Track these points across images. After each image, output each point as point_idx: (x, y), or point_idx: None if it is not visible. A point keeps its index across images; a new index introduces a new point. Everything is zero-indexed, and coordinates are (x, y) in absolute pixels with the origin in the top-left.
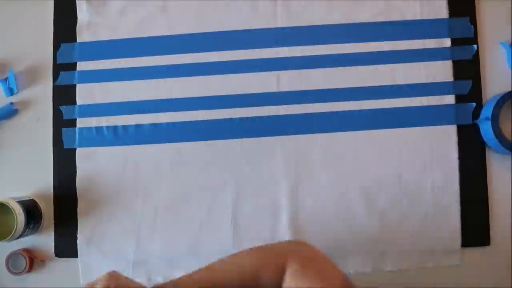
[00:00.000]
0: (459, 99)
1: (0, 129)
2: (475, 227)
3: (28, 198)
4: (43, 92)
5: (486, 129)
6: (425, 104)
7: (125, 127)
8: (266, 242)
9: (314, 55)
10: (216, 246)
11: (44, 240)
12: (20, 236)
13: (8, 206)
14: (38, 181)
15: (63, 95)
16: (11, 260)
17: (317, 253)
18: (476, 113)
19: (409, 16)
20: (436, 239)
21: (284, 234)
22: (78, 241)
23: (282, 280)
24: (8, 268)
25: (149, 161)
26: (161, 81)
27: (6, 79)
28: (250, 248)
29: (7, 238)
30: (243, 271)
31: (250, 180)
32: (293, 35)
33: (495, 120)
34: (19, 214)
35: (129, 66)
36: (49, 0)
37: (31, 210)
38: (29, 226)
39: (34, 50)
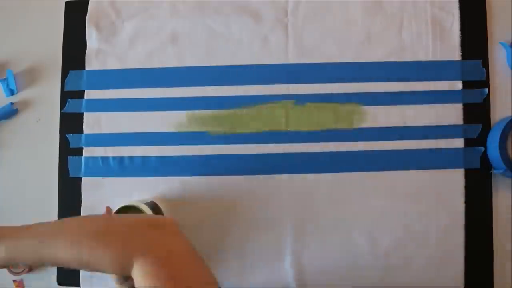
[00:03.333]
0: (467, 142)
1: (0, 129)
2: (479, 272)
3: (150, 201)
4: (43, 93)
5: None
6: (434, 146)
7: (131, 158)
8: (269, 279)
9: (324, 93)
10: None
11: None
12: None
13: (139, 209)
14: (40, 181)
15: (70, 123)
16: None
17: (178, 248)
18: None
19: (421, 57)
20: (439, 282)
21: (287, 272)
22: (81, 270)
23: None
24: (8, 268)
25: (154, 193)
26: (169, 113)
27: (5, 79)
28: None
29: None
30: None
31: (254, 217)
32: (304, 72)
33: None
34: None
35: (137, 96)
36: (54, 0)
37: (158, 212)
38: None
39: (35, 50)
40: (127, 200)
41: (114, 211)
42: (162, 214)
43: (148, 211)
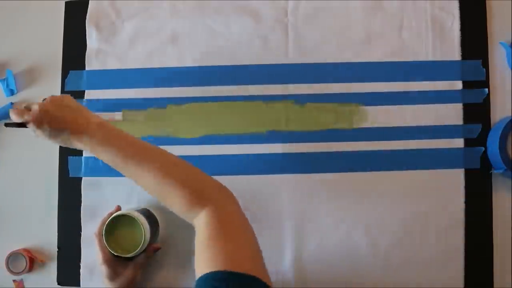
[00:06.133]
0: (467, 142)
1: (0, 129)
2: (479, 271)
3: (143, 208)
4: (43, 93)
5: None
6: (434, 147)
7: None
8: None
9: (324, 93)
10: None
11: (45, 240)
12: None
13: (133, 219)
14: (41, 181)
15: None
16: (11, 260)
17: (239, 221)
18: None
19: (421, 57)
20: (439, 282)
21: (288, 272)
22: (81, 270)
23: (186, 210)
24: (8, 268)
25: None
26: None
27: (5, 79)
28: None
29: (136, 251)
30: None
31: (255, 217)
32: (304, 72)
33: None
34: (144, 224)
35: (137, 96)
36: (53, 0)
37: (152, 219)
38: (155, 234)
39: (35, 50)
40: (126, 201)
41: (107, 221)
42: (156, 220)
43: (142, 218)
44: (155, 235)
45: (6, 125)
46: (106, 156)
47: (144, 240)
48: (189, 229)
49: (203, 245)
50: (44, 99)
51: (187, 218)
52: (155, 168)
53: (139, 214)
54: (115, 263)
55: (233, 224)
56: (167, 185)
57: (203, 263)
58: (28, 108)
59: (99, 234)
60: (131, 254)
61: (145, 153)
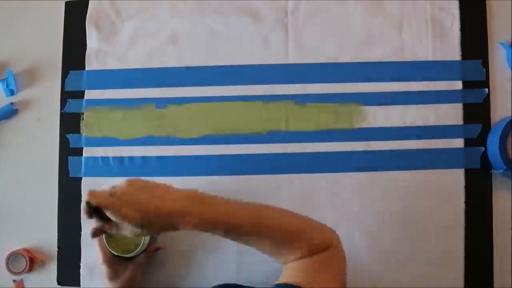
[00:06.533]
0: (467, 142)
1: (0, 129)
2: (479, 271)
3: None
4: (43, 93)
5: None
6: (434, 147)
7: (131, 158)
8: (268, 277)
9: (324, 93)
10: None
11: (45, 240)
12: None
13: None
14: (40, 181)
15: (70, 123)
16: (11, 260)
17: (343, 261)
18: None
19: (421, 57)
20: (439, 282)
21: None
22: (81, 270)
23: (303, 256)
24: (8, 268)
25: None
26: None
27: (5, 79)
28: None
29: (136, 251)
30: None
31: None
32: (304, 72)
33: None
34: None
35: (137, 96)
36: (53, 0)
37: None
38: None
39: (35, 50)
40: None
41: None
42: None
43: None
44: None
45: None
46: (218, 233)
47: (144, 240)
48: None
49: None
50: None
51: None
52: (269, 230)
53: None
54: (115, 263)
55: (341, 262)
56: (286, 243)
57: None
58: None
59: None
60: (131, 254)
61: (257, 216)
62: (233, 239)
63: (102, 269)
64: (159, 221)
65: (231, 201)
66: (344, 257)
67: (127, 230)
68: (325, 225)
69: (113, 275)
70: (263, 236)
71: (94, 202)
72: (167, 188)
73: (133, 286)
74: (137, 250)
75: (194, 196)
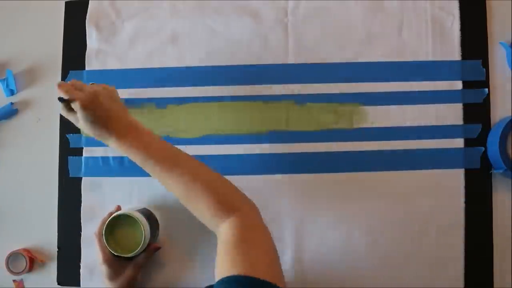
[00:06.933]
0: (467, 142)
1: (0, 129)
2: (479, 271)
3: (143, 208)
4: (43, 93)
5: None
6: (434, 147)
7: None
8: None
9: (324, 93)
10: None
11: (45, 240)
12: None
13: (133, 219)
14: (41, 181)
15: (70, 123)
16: (11, 260)
17: (261, 230)
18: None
19: (421, 57)
20: (439, 282)
21: (288, 272)
22: (81, 270)
23: (212, 217)
24: (8, 268)
25: (154, 193)
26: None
27: (5, 79)
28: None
29: (136, 251)
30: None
31: None
32: (304, 72)
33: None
34: (144, 224)
35: (137, 96)
36: (53, 0)
37: (152, 219)
38: (155, 234)
39: (35, 50)
40: (126, 201)
41: (107, 221)
42: (156, 220)
43: (142, 218)
44: (155, 235)
45: (59, 99)
46: (137, 159)
47: (144, 240)
48: (189, 229)
49: (227, 250)
50: (92, 84)
51: (211, 224)
52: (184, 174)
53: (139, 214)
54: (115, 263)
55: (256, 233)
56: (195, 191)
57: (226, 266)
58: (77, 88)
59: (99, 234)
60: (131, 254)
61: (176, 159)
62: (150, 172)
63: (102, 269)
64: (102, 126)
65: (160, 140)
66: (267, 231)
67: (77, 121)
68: (245, 195)
69: (113, 275)
70: (174, 178)
71: (64, 94)
72: (124, 110)
73: (133, 286)
74: (137, 250)
75: (135, 125)
